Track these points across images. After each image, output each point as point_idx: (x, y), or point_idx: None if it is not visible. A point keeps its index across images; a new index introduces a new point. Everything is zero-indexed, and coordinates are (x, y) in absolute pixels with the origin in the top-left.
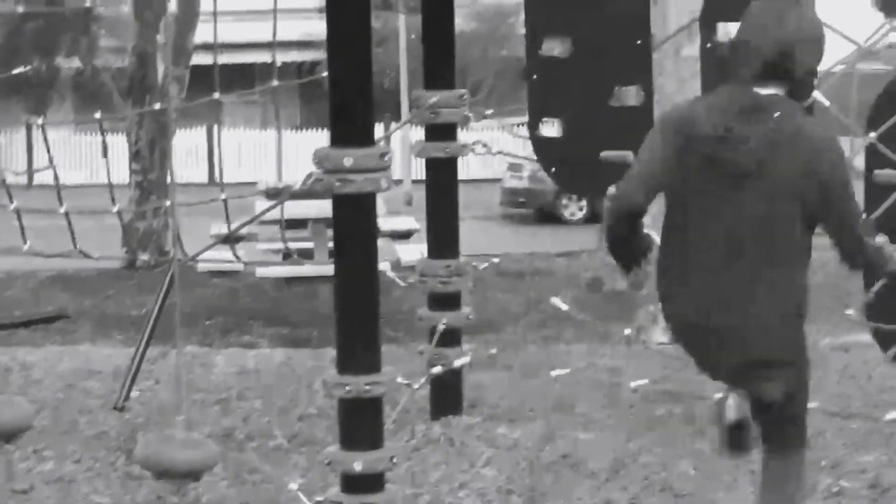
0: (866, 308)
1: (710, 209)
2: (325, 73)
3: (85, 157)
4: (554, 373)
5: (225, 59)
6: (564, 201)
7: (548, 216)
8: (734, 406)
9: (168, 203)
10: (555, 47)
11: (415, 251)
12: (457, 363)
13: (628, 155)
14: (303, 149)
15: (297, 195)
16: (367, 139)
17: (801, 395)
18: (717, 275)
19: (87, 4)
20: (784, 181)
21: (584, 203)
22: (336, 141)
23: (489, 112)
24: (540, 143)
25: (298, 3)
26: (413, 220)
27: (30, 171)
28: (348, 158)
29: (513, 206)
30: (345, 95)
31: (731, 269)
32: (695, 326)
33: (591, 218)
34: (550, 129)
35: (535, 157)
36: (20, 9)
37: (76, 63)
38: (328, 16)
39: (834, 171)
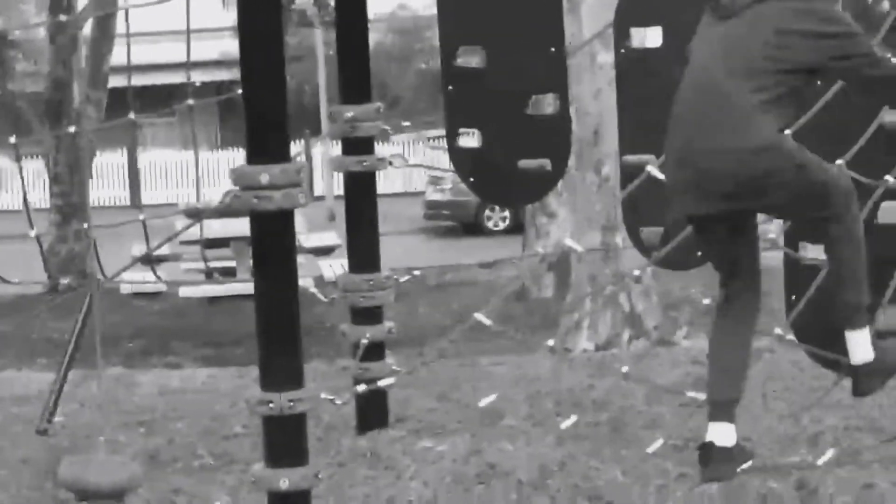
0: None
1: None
2: (241, 91)
3: (3, 181)
4: (482, 403)
5: (142, 80)
6: (488, 212)
7: (472, 228)
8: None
9: (90, 226)
10: (469, 58)
11: (337, 267)
12: (381, 383)
13: (546, 163)
14: (222, 168)
15: (217, 214)
16: (283, 156)
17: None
18: None
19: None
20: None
21: (507, 213)
22: (252, 158)
23: (406, 124)
24: (458, 154)
25: (215, 23)
26: (335, 236)
27: None
28: (265, 175)
29: (436, 219)
30: (259, 113)
31: None
32: None
33: (515, 228)
34: (468, 139)
35: (453, 169)
36: None
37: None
38: (240, 33)
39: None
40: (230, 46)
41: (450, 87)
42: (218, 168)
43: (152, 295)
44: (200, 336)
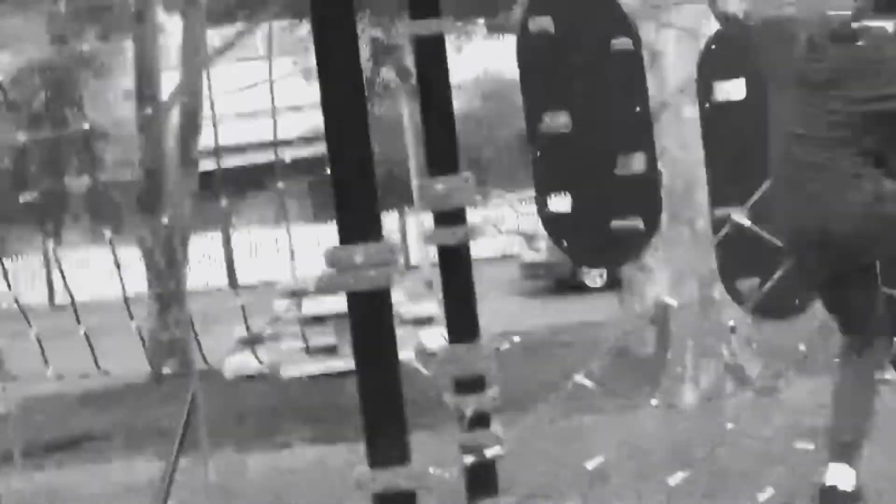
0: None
1: None
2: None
3: (102, 273)
4: (590, 465)
5: (233, 160)
6: (584, 269)
7: (569, 285)
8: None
9: (190, 312)
10: (555, 122)
11: (437, 336)
12: (488, 453)
13: (638, 222)
14: (317, 242)
15: (316, 293)
16: (375, 234)
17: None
18: None
19: (86, 127)
20: None
21: (603, 270)
22: (344, 237)
23: (498, 192)
24: (549, 220)
25: (304, 100)
26: (435, 306)
27: (50, 294)
28: (359, 255)
29: (533, 279)
30: (348, 191)
31: None
32: None
33: (612, 284)
34: (558, 203)
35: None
36: (21, 137)
37: (85, 181)
38: (324, 112)
39: None
40: (315, 122)
41: (537, 153)
42: (312, 242)
43: (256, 377)
44: (307, 415)
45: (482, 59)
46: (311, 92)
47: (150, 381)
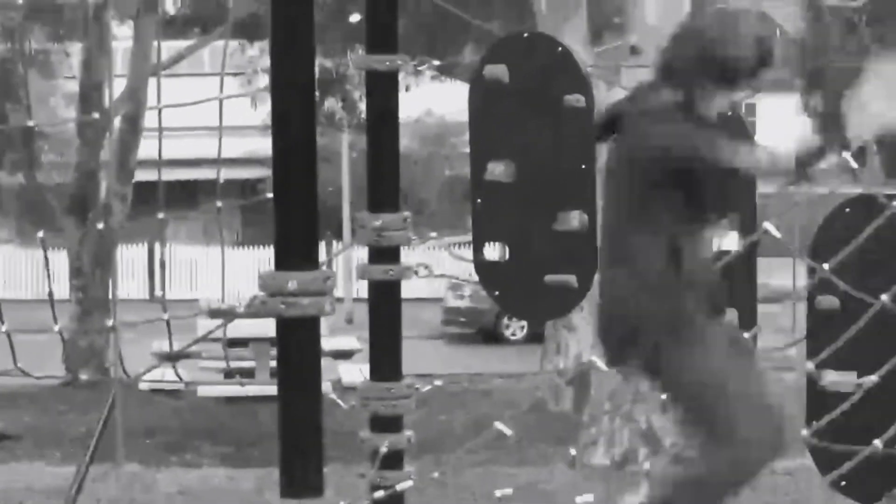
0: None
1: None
2: (270, 194)
3: (26, 272)
4: (498, 493)
5: (167, 175)
6: (505, 321)
7: (489, 336)
8: None
9: (110, 321)
10: (499, 171)
11: (356, 371)
12: (399, 487)
13: (572, 279)
14: (244, 265)
15: (240, 315)
16: (311, 262)
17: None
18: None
19: (30, 123)
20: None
21: (524, 323)
22: (280, 264)
23: (433, 234)
24: (483, 267)
25: (242, 121)
26: (355, 340)
27: None
28: (293, 282)
29: (454, 326)
30: (290, 218)
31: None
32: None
33: (533, 337)
34: (494, 252)
35: (477, 279)
36: None
37: (18, 179)
38: (273, 135)
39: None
40: (256, 145)
41: (478, 200)
42: (238, 265)
43: (171, 392)
44: (218, 435)
45: (425, 100)
46: (253, 114)
47: (63, 386)
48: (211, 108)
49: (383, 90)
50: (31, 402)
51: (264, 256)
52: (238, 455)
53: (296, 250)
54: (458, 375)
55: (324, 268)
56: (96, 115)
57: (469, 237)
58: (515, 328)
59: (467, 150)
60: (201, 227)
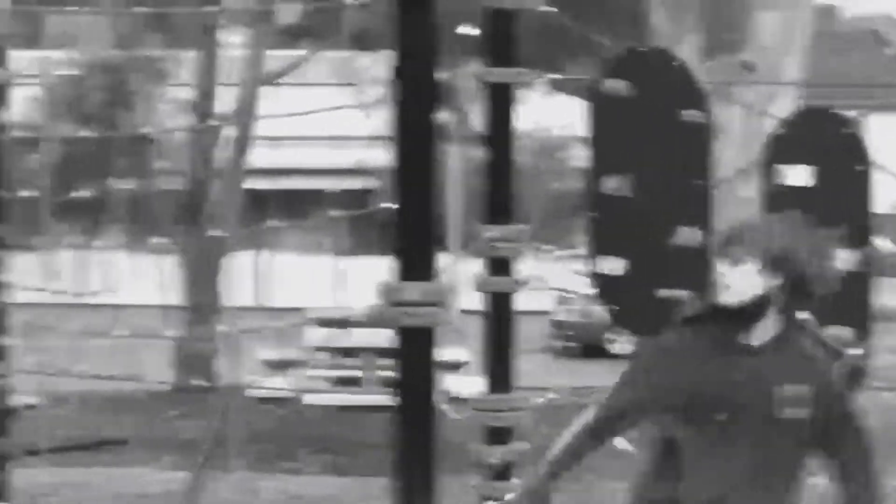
0: None
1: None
2: (383, 204)
3: (135, 278)
4: None
5: (275, 184)
6: (612, 336)
7: (595, 350)
8: None
9: (220, 328)
10: (616, 185)
11: (464, 382)
12: (507, 497)
13: (686, 295)
14: (351, 275)
15: (349, 324)
16: (430, 272)
17: None
18: None
19: (145, 131)
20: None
21: (632, 338)
22: (400, 273)
23: (547, 247)
24: (599, 281)
25: (351, 131)
26: (463, 351)
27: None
28: (413, 291)
29: (561, 339)
30: (411, 228)
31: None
32: None
33: None
34: (610, 266)
35: (590, 293)
36: (84, 134)
37: (129, 185)
38: (396, 146)
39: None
40: (364, 155)
41: (594, 214)
42: (344, 275)
43: (277, 400)
44: (323, 444)
45: (534, 114)
46: (365, 124)
47: (172, 392)
48: (319, 119)
49: (501, 102)
50: (140, 408)
51: (370, 266)
52: (342, 464)
53: (415, 260)
54: (565, 389)
55: (445, 279)
56: (213, 123)
57: (582, 251)
58: (622, 343)
59: (575, 164)
60: (310, 237)
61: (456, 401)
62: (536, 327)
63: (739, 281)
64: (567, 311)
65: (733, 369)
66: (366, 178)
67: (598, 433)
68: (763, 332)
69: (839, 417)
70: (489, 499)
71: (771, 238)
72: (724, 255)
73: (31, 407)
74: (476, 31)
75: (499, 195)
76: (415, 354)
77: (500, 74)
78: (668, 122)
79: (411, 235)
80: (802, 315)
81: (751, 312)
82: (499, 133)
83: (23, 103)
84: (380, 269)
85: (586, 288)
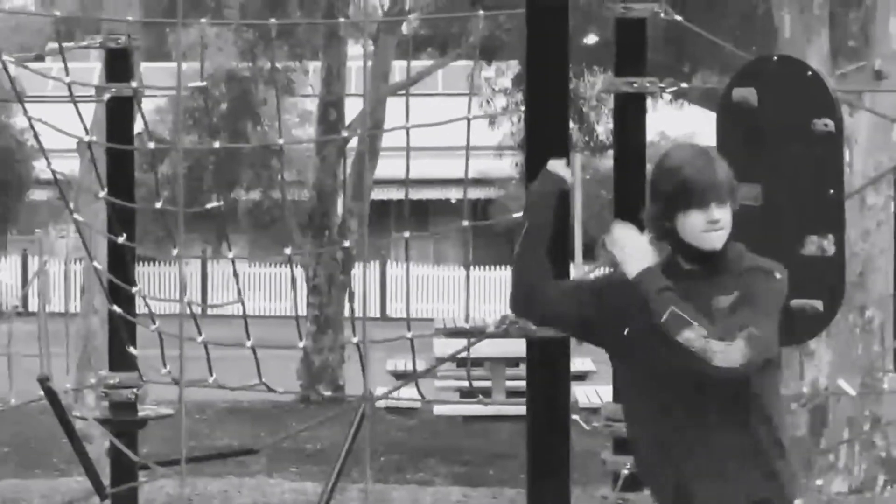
0: None
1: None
2: (516, 215)
3: (257, 289)
4: None
5: (399, 194)
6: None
7: None
8: None
9: (349, 339)
10: (746, 194)
11: (591, 392)
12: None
13: (818, 304)
14: (474, 285)
15: (477, 334)
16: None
17: None
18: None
19: (280, 142)
20: None
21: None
22: None
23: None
24: None
25: (474, 141)
26: (590, 362)
27: (199, 304)
28: None
29: None
30: None
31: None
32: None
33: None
34: None
35: None
36: (216, 144)
37: (254, 196)
38: (527, 154)
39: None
40: (486, 165)
41: None
42: (473, 284)
43: (404, 411)
44: (452, 454)
45: (659, 124)
46: (488, 135)
47: (298, 402)
48: (443, 129)
49: (631, 112)
50: (266, 418)
51: (493, 276)
52: (471, 474)
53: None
54: None
55: None
56: (345, 134)
57: None
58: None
59: None
60: (431, 245)
61: (585, 411)
62: None
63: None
64: None
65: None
66: (487, 188)
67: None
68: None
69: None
70: None
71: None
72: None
73: (163, 417)
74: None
75: (628, 204)
76: (548, 364)
77: (628, 83)
78: (798, 130)
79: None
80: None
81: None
82: (629, 143)
83: (151, 115)
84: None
85: None
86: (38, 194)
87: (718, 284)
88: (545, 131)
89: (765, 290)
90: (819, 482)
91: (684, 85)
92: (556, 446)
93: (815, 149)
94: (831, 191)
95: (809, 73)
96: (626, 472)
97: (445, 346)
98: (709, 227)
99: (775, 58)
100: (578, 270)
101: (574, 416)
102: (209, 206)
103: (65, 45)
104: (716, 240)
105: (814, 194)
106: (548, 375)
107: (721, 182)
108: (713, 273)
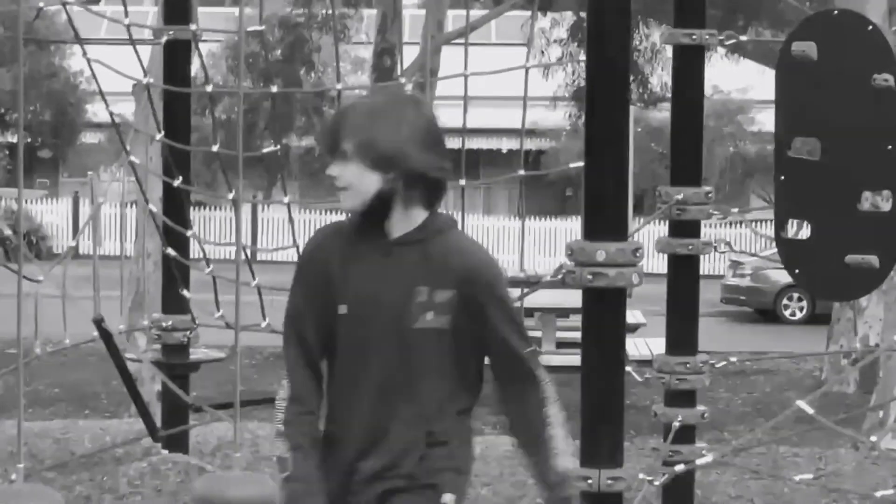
0: None
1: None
2: (573, 165)
3: (307, 235)
4: (797, 478)
5: (451, 143)
6: (785, 301)
7: (768, 315)
8: None
9: None
10: (804, 148)
11: (642, 345)
12: (699, 462)
13: (874, 260)
14: (530, 236)
15: (529, 284)
16: (620, 233)
17: None
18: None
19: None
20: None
21: (804, 303)
22: (590, 234)
23: (735, 210)
24: (785, 245)
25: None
26: (639, 314)
27: (254, 248)
28: (601, 252)
29: (733, 304)
30: (600, 189)
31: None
32: None
33: (812, 318)
34: (797, 230)
35: (764, 257)
36: (274, 89)
37: (306, 143)
38: (587, 107)
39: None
40: (538, 116)
41: (781, 177)
42: (523, 234)
43: None
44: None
45: (713, 78)
46: (543, 86)
47: None
48: (494, 79)
49: (690, 65)
50: None
51: (543, 227)
52: None
53: (606, 222)
54: (743, 354)
55: (633, 239)
56: (402, 79)
57: (766, 214)
58: (795, 308)
59: (754, 128)
60: (481, 195)
61: (635, 363)
62: (709, 292)
63: (355, 179)
64: (739, 276)
65: (368, 264)
66: (538, 139)
67: (302, 345)
68: (404, 226)
69: (487, 305)
70: (670, 462)
71: (373, 134)
72: (328, 149)
73: (215, 360)
74: None
75: (686, 158)
76: (603, 316)
77: (687, 35)
78: (858, 85)
79: (602, 197)
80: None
81: (373, 210)
82: (687, 96)
83: (206, 60)
84: (557, 230)
85: (761, 252)
86: (89, 137)
87: (426, 270)
88: (606, 82)
89: (511, 303)
90: (873, 438)
91: (743, 38)
92: (610, 397)
93: (874, 104)
94: (889, 146)
95: (870, 27)
96: (677, 424)
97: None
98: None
99: (835, 12)
100: (631, 224)
101: (626, 368)
102: (266, 150)
103: None
104: (342, 199)
105: (871, 150)
106: (604, 326)
107: (329, 132)
108: (411, 250)
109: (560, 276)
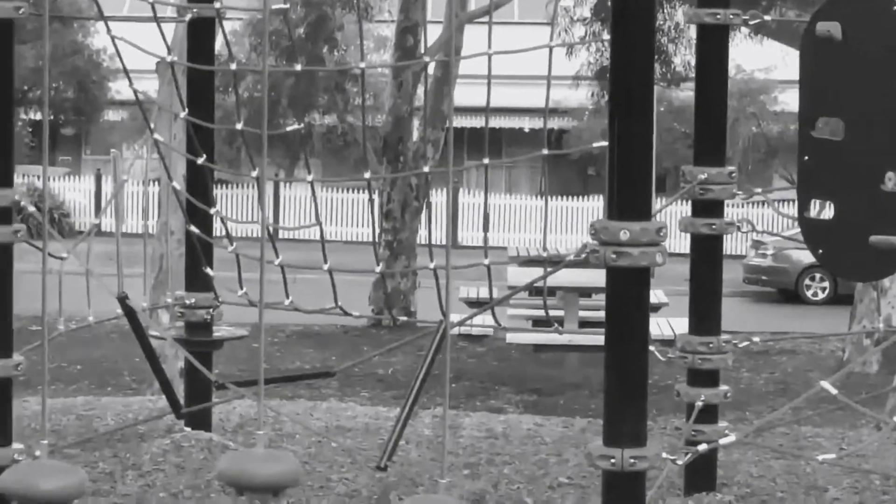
0: None
1: None
2: (597, 144)
3: (330, 213)
4: (820, 457)
5: (473, 122)
6: (807, 282)
7: (790, 296)
8: None
9: (426, 264)
10: (828, 128)
11: (664, 324)
12: (722, 441)
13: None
14: (552, 214)
15: (551, 263)
16: (644, 212)
17: None
18: None
19: (361, 66)
20: None
21: (826, 284)
22: (614, 213)
23: (758, 190)
24: (809, 225)
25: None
26: (662, 294)
27: (277, 226)
28: (625, 232)
29: (755, 284)
30: (624, 168)
31: None
32: None
33: (835, 299)
34: (820, 210)
35: (787, 237)
36: (298, 67)
37: (328, 120)
38: (612, 86)
39: None
40: (560, 95)
41: (805, 157)
42: (546, 213)
43: (477, 338)
44: (523, 383)
45: (736, 57)
46: (566, 65)
47: (369, 327)
48: (517, 58)
49: (714, 44)
50: (336, 343)
51: (565, 206)
52: (542, 403)
53: (630, 201)
54: (765, 334)
55: (657, 219)
56: (426, 59)
57: (789, 194)
58: (817, 289)
59: (777, 108)
60: (503, 174)
61: (658, 342)
62: (730, 272)
63: None
64: (761, 256)
65: None
66: (561, 118)
67: None
68: None
69: None
70: (693, 442)
71: None
72: None
73: (238, 338)
74: None
75: (710, 138)
76: (628, 293)
77: (712, 14)
78: (883, 65)
79: (627, 176)
80: None
81: None
82: (711, 76)
83: (229, 38)
84: (580, 209)
85: (783, 232)
86: (112, 114)
87: None
88: (630, 62)
89: None
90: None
91: (767, 17)
92: (634, 377)
93: None
94: None
95: (895, 7)
96: (700, 403)
97: (520, 275)
98: None
99: None
100: (654, 204)
101: (650, 348)
102: (290, 128)
103: None
104: None
105: (895, 130)
106: (627, 304)
107: None
108: None
109: (584, 256)
